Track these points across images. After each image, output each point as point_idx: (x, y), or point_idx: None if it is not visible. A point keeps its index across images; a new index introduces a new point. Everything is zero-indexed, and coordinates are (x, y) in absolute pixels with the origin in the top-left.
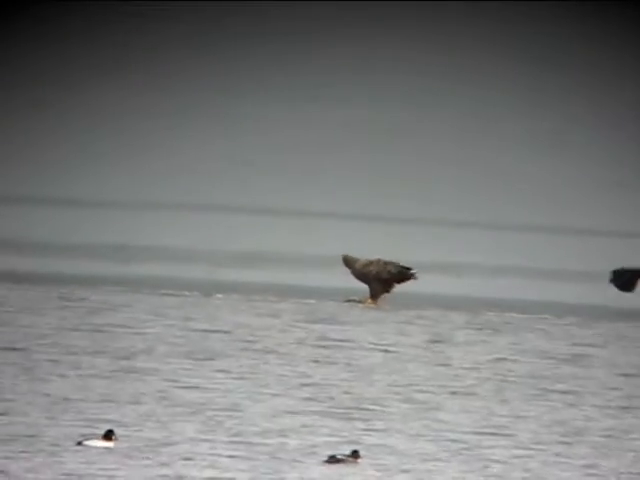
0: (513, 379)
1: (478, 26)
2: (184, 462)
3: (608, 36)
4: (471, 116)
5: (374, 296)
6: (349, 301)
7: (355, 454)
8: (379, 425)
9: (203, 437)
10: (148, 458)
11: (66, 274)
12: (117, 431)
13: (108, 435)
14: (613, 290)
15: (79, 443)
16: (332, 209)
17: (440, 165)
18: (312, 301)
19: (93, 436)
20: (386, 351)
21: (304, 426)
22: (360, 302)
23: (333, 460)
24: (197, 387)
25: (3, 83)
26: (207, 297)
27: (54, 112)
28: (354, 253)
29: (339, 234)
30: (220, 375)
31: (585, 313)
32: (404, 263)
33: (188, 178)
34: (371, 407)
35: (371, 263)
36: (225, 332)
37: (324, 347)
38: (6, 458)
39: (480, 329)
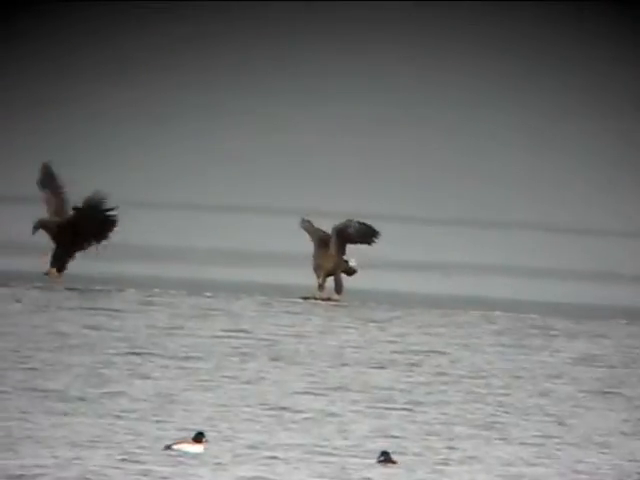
0: (507, 378)
1: (471, 28)
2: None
3: (599, 37)
4: (460, 118)
5: (339, 290)
6: (305, 299)
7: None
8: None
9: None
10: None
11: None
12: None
13: (198, 438)
14: (600, 289)
15: (168, 447)
16: (321, 207)
17: (429, 165)
18: (299, 300)
19: (183, 440)
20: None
21: (350, 423)
22: (316, 299)
23: (385, 460)
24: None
25: (1, 83)
26: (195, 296)
27: (48, 111)
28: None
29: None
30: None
31: (573, 312)
32: (393, 262)
33: (178, 177)
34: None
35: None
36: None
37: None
38: (103, 461)
39: (469, 328)
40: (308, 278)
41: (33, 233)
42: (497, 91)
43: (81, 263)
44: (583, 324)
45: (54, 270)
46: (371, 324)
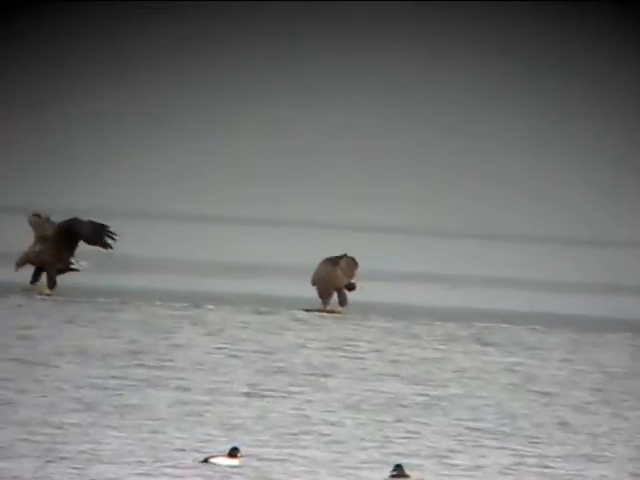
0: (511, 388)
1: (471, 28)
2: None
3: (600, 37)
4: (465, 127)
5: (343, 302)
6: (308, 311)
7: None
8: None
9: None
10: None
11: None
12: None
13: (233, 453)
14: (605, 301)
15: (205, 460)
16: (322, 219)
17: (432, 175)
18: (301, 311)
19: (218, 454)
20: (394, 361)
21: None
22: (319, 311)
23: (399, 474)
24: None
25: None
26: (197, 308)
27: (48, 111)
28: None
29: (329, 244)
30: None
31: (576, 324)
32: (393, 273)
33: (178, 188)
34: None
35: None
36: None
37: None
38: (138, 475)
39: (471, 340)
40: (309, 290)
41: (16, 270)
42: (498, 91)
43: (82, 276)
44: (587, 336)
45: (47, 289)
46: (376, 336)
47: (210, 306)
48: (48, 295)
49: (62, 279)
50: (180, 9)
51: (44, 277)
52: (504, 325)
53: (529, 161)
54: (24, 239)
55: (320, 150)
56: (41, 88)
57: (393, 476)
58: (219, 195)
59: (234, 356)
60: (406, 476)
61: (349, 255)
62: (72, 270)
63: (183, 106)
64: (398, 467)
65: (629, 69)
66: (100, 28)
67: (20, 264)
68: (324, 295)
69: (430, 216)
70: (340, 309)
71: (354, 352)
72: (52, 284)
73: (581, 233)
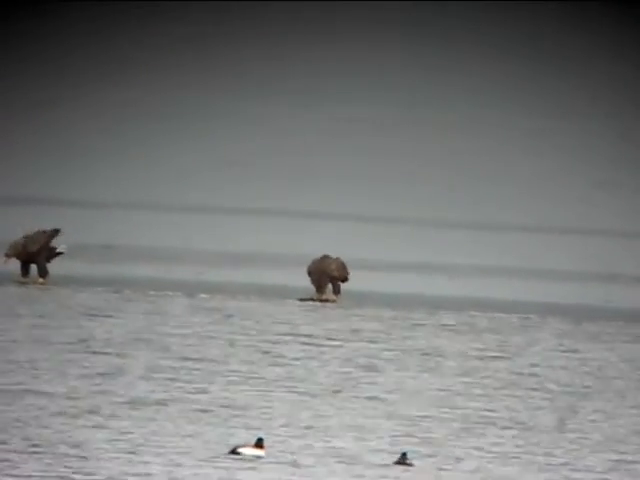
0: (503, 378)
1: (471, 27)
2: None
3: (601, 36)
4: (459, 118)
5: (337, 291)
6: (303, 300)
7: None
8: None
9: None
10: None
11: (56, 275)
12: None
13: (259, 443)
14: (600, 290)
15: (233, 451)
16: (319, 210)
17: (428, 166)
18: (297, 301)
19: (245, 445)
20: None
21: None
22: (314, 300)
23: (401, 462)
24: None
25: (2, 84)
26: (190, 297)
27: (47, 114)
28: (340, 253)
29: (326, 234)
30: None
31: (571, 313)
32: (390, 263)
33: (177, 179)
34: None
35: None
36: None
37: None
38: (177, 465)
39: (467, 329)
40: (302, 279)
41: (5, 262)
42: (498, 91)
43: (82, 266)
44: (583, 325)
45: (40, 279)
46: (371, 325)
47: (204, 295)
48: (42, 284)
49: (52, 268)
50: (180, 9)
51: (34, 268)
52: (501, 314)
53: (523, 155)
54: (12, 228)
55: (320, 150)
56: (41, 88)
57: (398, 462)
58: (219, 192)
59: (232, 345)
60: (409, 464)
61: (341, 259)
62: (57, 254)
63: (183, 106)
64: (404, 455)
65: (630, 69)
66: (100, 28)
67: (10, 255)
68: (321, 284)
69: (426, 207)
70: (334, 297)
71: (347, 341)
72: (44, 273)
73: (575, 223)
